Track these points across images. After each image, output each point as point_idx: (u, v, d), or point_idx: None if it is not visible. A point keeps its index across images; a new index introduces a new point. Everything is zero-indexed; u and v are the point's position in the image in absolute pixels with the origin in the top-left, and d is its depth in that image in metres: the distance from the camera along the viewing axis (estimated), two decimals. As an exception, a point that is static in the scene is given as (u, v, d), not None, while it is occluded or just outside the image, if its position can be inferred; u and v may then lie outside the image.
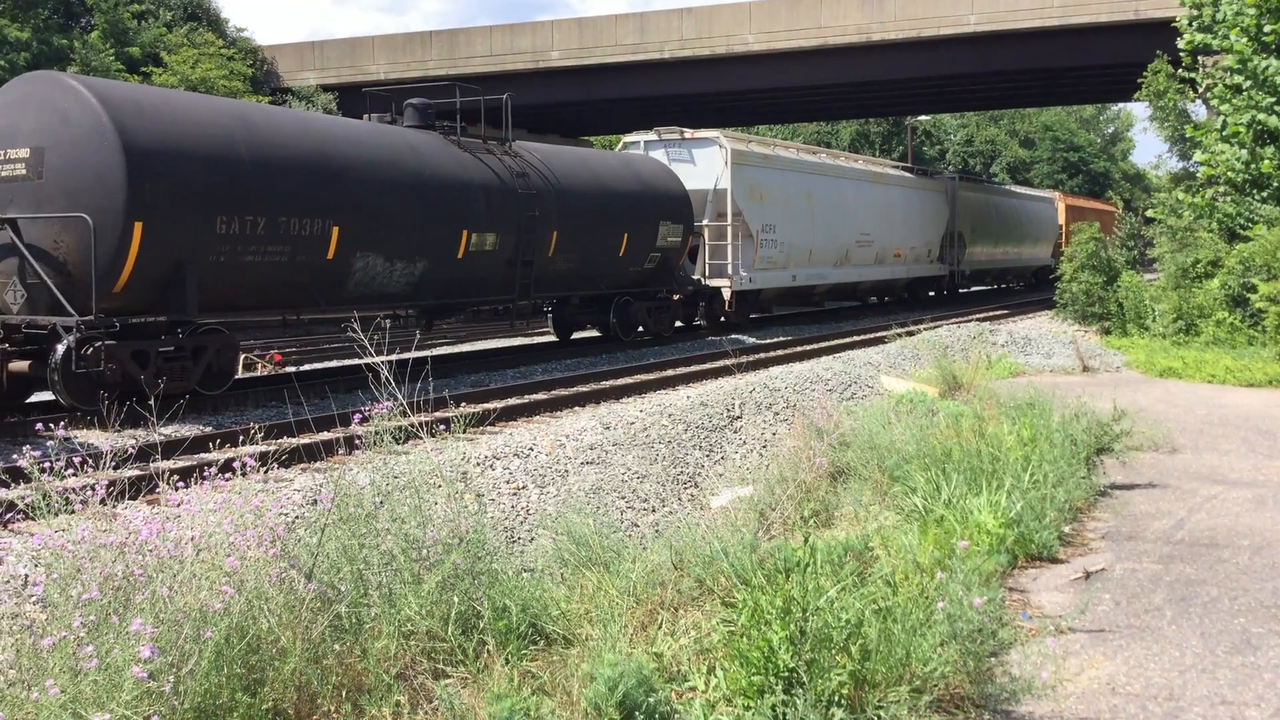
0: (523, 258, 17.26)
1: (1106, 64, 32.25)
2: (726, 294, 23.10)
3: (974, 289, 43.64)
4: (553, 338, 22.00)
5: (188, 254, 12.28)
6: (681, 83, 35.63)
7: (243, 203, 12.80)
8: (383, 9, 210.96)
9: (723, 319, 23.73)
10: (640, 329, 20.82)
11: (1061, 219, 48.81)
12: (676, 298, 22.07)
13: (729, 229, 23.08)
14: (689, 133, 23.53)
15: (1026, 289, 47.38)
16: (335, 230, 13.95)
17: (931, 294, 36.79)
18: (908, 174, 35.11)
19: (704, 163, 23.24)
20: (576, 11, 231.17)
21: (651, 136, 23.64)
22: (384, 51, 37.70)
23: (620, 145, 23.61)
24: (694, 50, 34.59)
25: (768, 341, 21.10)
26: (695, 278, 22.91)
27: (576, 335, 21.90)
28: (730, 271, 23.13)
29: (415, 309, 16.65)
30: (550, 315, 21.48)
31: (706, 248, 23.21)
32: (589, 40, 35.61)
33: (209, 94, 32.01)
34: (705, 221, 23.01)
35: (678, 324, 22.95)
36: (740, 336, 22.71)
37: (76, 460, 4.92)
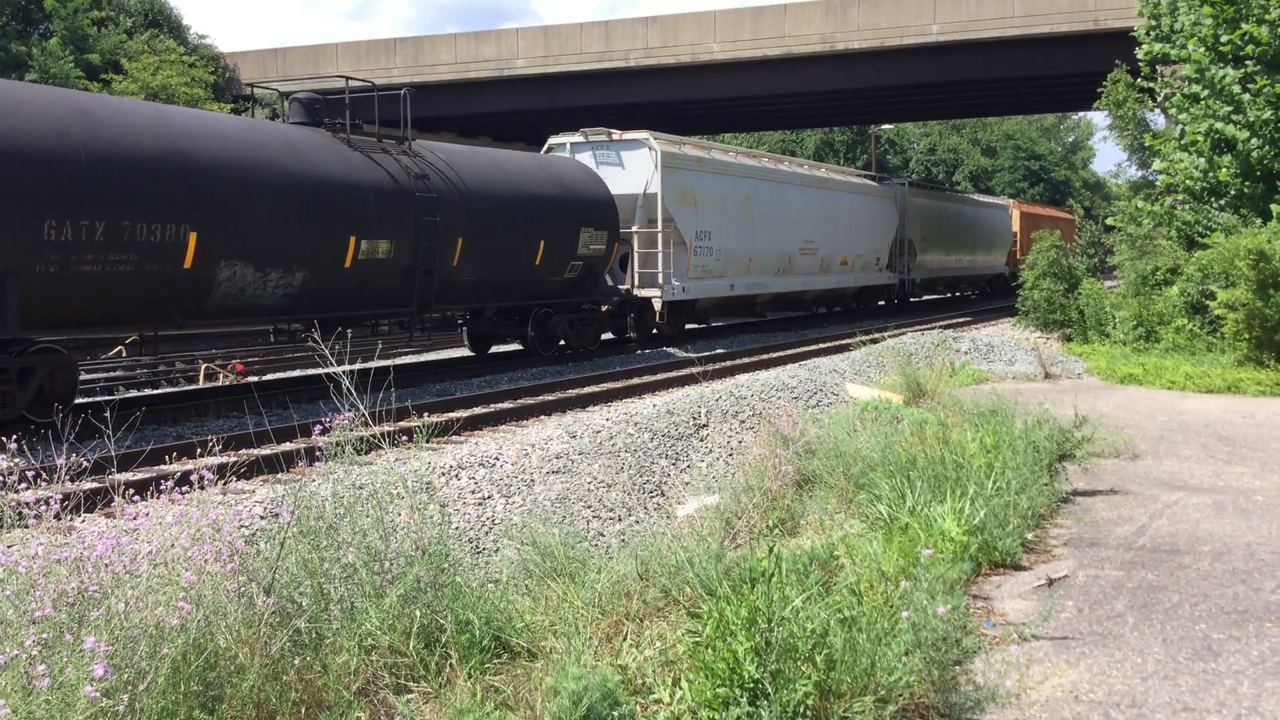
0: (422, 267, 15.82)
1: (1067, 73, 32.64)
2: (657, 305, 21.79)
3: (926, 298, 42.73)
4: (466, 352, 20.68)
5: (8, 264, 10.89)
6: (647, 91, 35.70)
7: (77, 206, 11.33)
8: (348, 15, 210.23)
9: (655, 331, 22.44)
10: (562, 342, 19.61)
11: (1016, 226, 48.59)
12: (605, 309, 20.93)
13: (660, 236, 21.72)
14: (617, 134, 22.19)
15: (981, 298, 46.70)
16: (193, 236, 12.49)
17: (881, 303, 35.86)
18: (854, 179, 34.04)
19: (633, 166, 21.93)
20: (542, 19, 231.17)
21: (578, 138, 22.30)
22: (347, 59, 37.51)
23: (545, 148, 22.38)
24: (659, 59, 34.67)
25: (700, 355, 19.77)
26: (624, 288, 21.70)
27: (496, 349, 20.82)
28: (661, 281, 21.73)
29: (300, 323, 15.07)
30: (464, 328, 19.98)
31: (636, 256, 21.84)
32: (554, 48, 35.60)
33: (170, 102, 31.76)
34: (635, 228, 21.70)
35: (608, 337, 21.87)
36: (673, 350, 21.50)
37: (30, 473, 4.83)
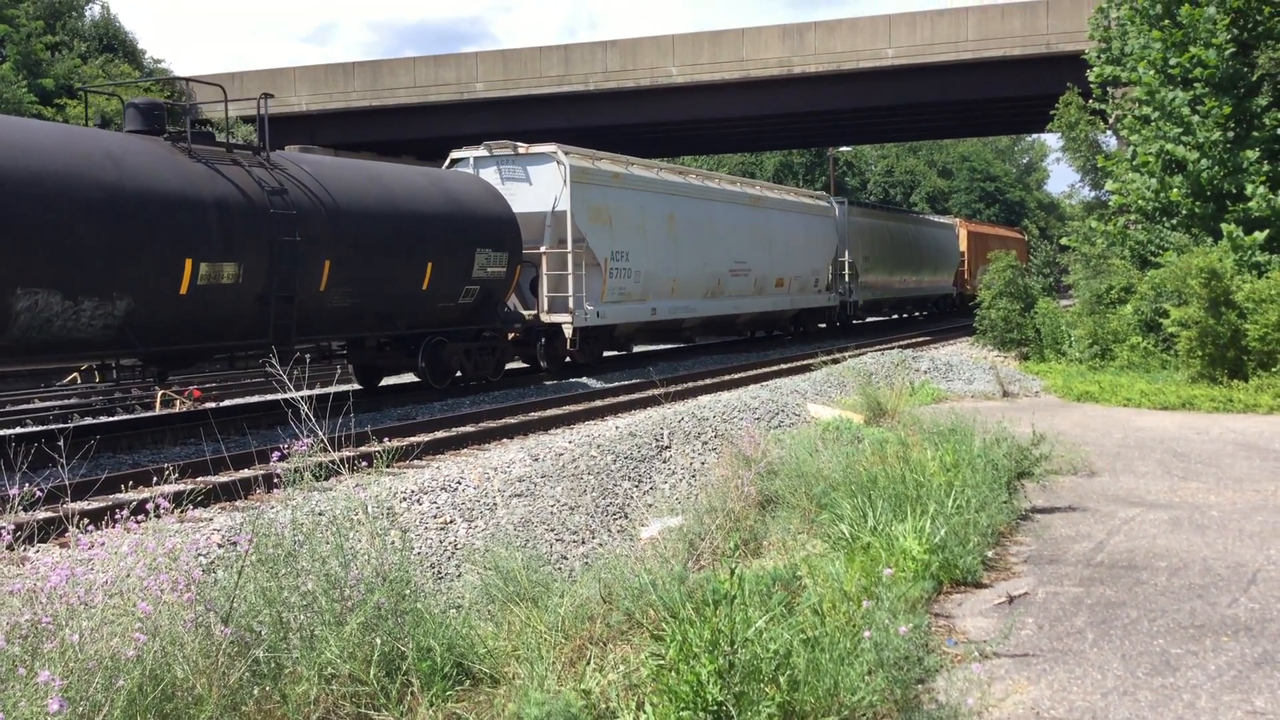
0: (280, 293, 14.04)
1: (1020, 96, 33.11)
2: (568, 331, 20.13)
3: (870, 320, 41.17)
4: (341, 387, 17.99)
5: None
6: (606, 114, 35.83)
7: None
8: (305, 39, 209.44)
9: (568, 359, 20.94)
10: (459, 374, 18.13)
11: (964, 246, 47.72)
12: (511, 336, 19.61)
13: (570, 257, 20.09)
14: (523, 147, 20.68)
15: (928, 319, 45.56)
16: None
17: (823, 326, 34.35)
18: (789, 197, 32.34)
19: (541, 181, 20.35)
20: (502, 43, 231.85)
21: (481, 152, 20.72)
22: (305, 82, 37.37)
23: (448, 162, 20.92)
24: (618, 82, 34.82)
25: (616, 385, 18.83)
26: (530, 313, 20.18)
27: (389, 381, 19.31)
28: (572, 305, 20.06)
29: (128, 358, 13.51)
30: (347, 359, 18.07)
31: (546, 278, 20.23)
32: (514, 72, 35.67)
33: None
34: (544, 248, 20.18)
35: (517, 366, 20.62)
36: (587, 380, 19.99)
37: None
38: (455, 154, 21.02)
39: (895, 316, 44.18)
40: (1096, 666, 5.04)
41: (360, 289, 15.38)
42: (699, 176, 27.16)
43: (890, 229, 39.54)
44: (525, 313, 20.01)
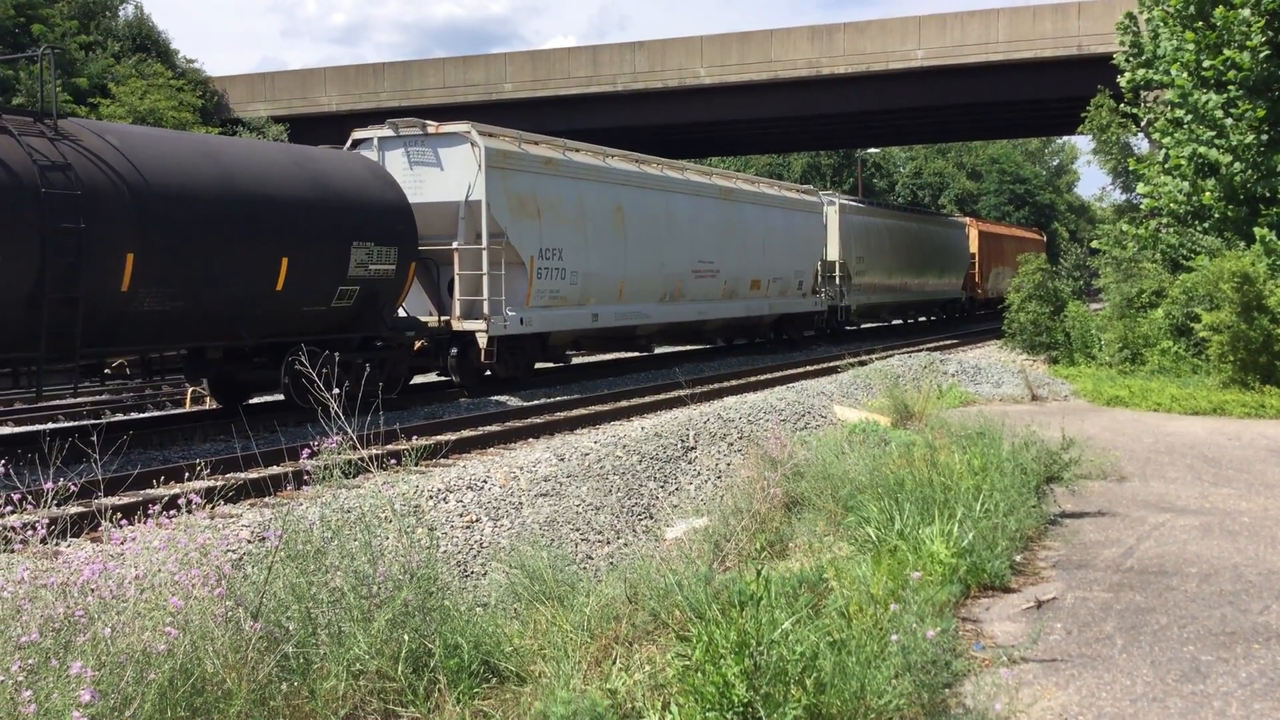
0: (57, 294, 11.28)
1: (1050, 98, 32.93)
2: (482, 340, 17.16)
3: (867, 325, 37.24)
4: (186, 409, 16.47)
5: None
6: (634, 115, 35.88)
7: None
8: (335, 41, 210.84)
9: (489, 373, 18.17)
10: (336, 392, 15.41)
11: (974, 247, 44.76)
12: (419, 346, 16.99)
13: (485, 254, 17.21)
14: (433, 126, 17.82)
15: (933, 326, 42.06)
16: None
17: (811, 333, 30.92)
18: (769, 190, 28.45)
19: (454, 166, 17.45)
20: (531, 45, 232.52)
21: (387, 132, 17.84)
22: (335, 83, 37.62)
23: (349, 143, 18.20)
24: (646, 83, 34.86)
25: (540, 403, 16.22)
26: (430, 319, 17.33)
27: (259, 399, 16.35)
28: (487, 311, 17.17)
29: None
30: (185, 376, 15.41)
31: (459, 279, 17.38)
32: (542, 73, 35.77)
33: (157, 125, 31.74)
34: (457, 244, 17.30)
35: (428, 380, 17.81)
36: (504, 399, 17.18)
37: (15, 497, 4.81)
38: (357, 133, 18.25)
39: (896, 322, 40.65)
40: (1126, 673, 5.00)
41: (183, 289, 12.50)
42: (658, 166, 23.29)
43: (889, 227, 36.36)
44: (428, 319, 17.23)
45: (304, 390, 13.84)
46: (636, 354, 23.86)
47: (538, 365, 19.93)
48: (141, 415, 16.28)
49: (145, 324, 12.34)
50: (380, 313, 15.33)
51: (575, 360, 22.71)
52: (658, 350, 24.80)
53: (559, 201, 18.95)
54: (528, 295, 18.14)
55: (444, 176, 17.50)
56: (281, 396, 15.24)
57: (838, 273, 31.63)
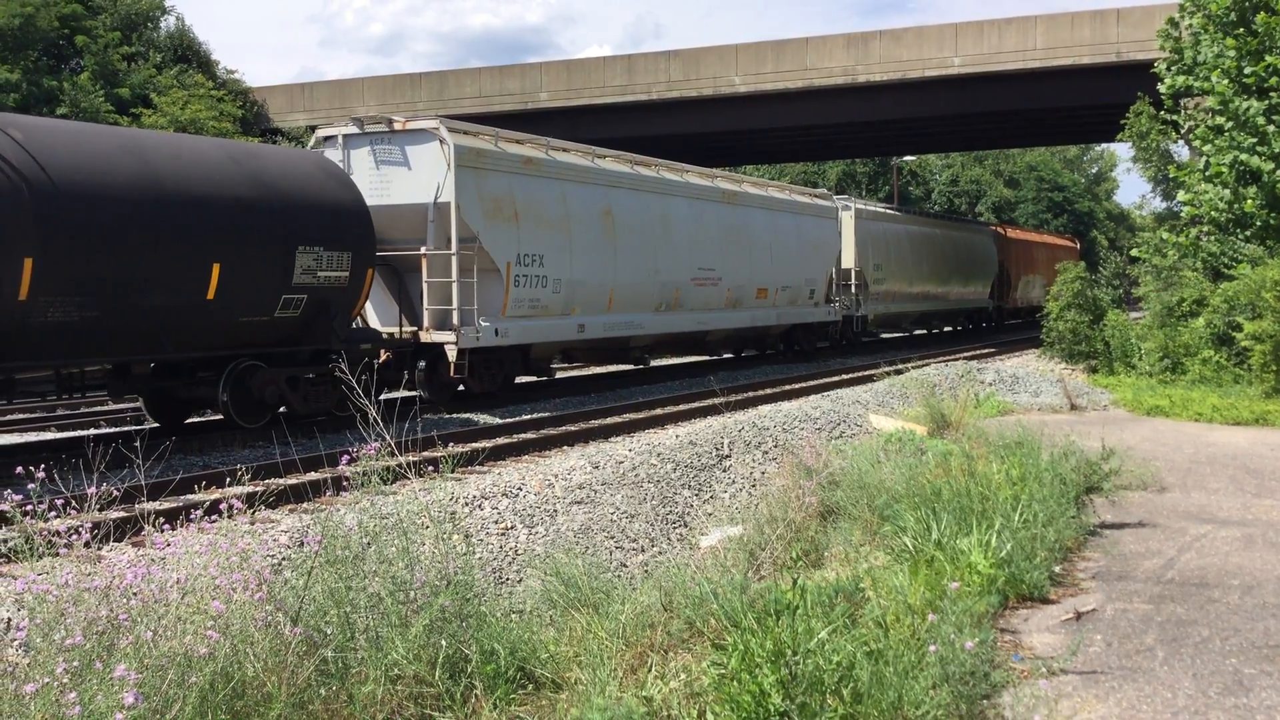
0: None
1: (1089, 105, 32.66)
2: (451, 353, 16.02)
3: (886, 336, 35.85)
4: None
5: None
6: (669, 123, 35.93)
7: None
8: (373, 51, 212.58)
9: (461, 388, 17.19)
10: (282, 409, 14.09)
11: (1002, 254, 43.58)
12: (384, 359, 15.84)
13: (454, 260, 15.96)
14: (400, 122, 16.68)
15: (959, 336, 40.27)
16: None
17: (825, 344, 29.18)
18: (777, 194, 26.87)
19: (421, 165, 16.24)
20: (566, 54, 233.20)
21: (352, 129, 16.67)
22: (373, 93, 37.93)
23: (312, 142, 17.22)
24: (681, 92, 34.91)
25: (512, 421, 14.87)
26: (389, 330, 16.32)
27: (213, 417, 15.11)
28: (457, 321, 15.97)
29: None
30: (109, 392, 14.49)
31: (428, 287, 16.13)
32: (577, 82, 35.90)
33: (199, 134, 32.13)
34: (426, 249, 16.08)
35: (400, 395, 15.85)
36: (474, 416, 15.88)
37: (59, 502, 4.88)
38: (322, 131, 17.18)
39: (918, 333, 39.14)
40: (1167, 685, 4.94)
41: (95, 299, 11.37)
42: (654, 167, 21.84)
43: (910, 234, 34.85)
44: (387, 330, 16.26)
45: (246, 409, 13.49)
46: (630, 366, 22.56)
47: (518, 379, 18.75)
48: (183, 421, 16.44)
49: (51, 336, 11.17)
50: (332, 323, 14.16)
51: (585, 373, 21.90)
52: (654, 363, 23.73)
53: (540, 204, 17.69)
54: (504, 304, 16.92)
55: (412, 176, 16.35)
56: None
57: (854, 281, 30.38)
